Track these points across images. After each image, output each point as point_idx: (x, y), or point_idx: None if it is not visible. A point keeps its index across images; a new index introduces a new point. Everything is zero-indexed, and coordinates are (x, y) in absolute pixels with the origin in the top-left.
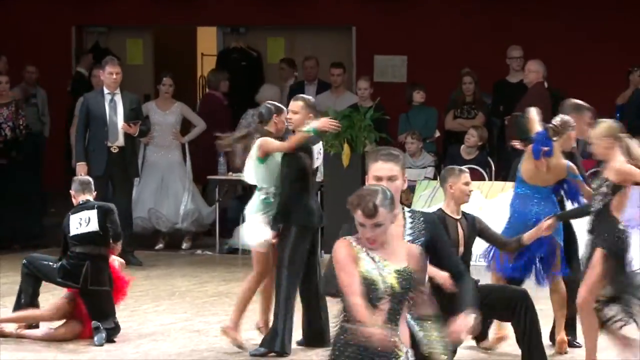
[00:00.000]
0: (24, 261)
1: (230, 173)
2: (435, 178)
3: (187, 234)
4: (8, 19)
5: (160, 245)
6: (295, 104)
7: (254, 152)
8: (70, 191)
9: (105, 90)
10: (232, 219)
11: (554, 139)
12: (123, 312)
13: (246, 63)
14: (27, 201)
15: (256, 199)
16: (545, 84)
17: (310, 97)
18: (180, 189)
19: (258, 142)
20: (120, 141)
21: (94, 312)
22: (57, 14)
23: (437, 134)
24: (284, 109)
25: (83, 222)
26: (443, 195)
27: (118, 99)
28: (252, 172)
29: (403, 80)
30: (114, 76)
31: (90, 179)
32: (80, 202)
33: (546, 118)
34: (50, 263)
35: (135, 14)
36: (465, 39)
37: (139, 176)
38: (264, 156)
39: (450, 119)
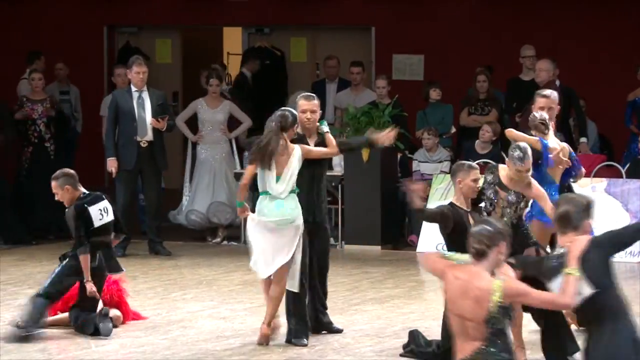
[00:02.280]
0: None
1: None
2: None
3: (220, 227)
4: (44, 19)
5: (217, 240)
6: (314, 103)
7: (297, 160)
8: (66, 186)
9: (133, 88)
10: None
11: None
12: (152, 299)
13: (270, 62)
14: None
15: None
16: (557, 82)
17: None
18: (232, 183)
19: (302, 150)
20: (149, 136)
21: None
22: (90, 14)
23: (453, 129)
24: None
25: (104, 213)
26: None
27: (145, 95)
28: (293, 177)
29: (420, 78)
30: (141, 75)
31: (73, 172)
32: (84, 194)
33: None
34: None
35: (165, 15)
36: (479, 38)
37: (167, 168)
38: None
39: (465, 116)
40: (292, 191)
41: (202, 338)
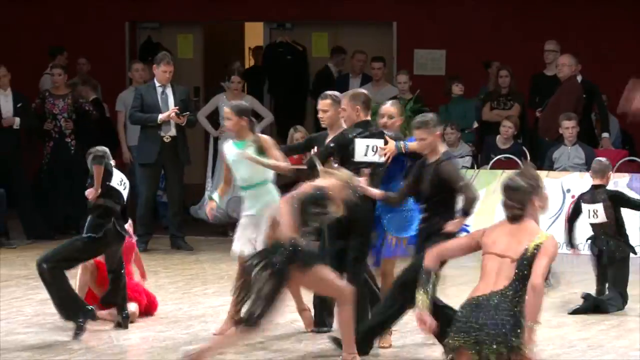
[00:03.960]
0: (44, 266)
1: None
2: (472, 167)
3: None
4: (66, 15)
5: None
6: (324, 102)
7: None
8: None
9: (157, 84)
10: None
11: None
12: (174, 294)
13: (292, 57)
14: (79, 187)
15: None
16: (579, 77)
17: (336, 93)
18: None
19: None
20: (172, 131)
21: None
22: (112, 10)
23: (475, 124)
24: None
25: (122, 184)
26: (481, 184)
27: (169, 91)
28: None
29: (442, 74)
30: (167, 74)
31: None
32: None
33: (577, 111)
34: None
35: (186, 11)
36: (501, 32)
37: (189, 163)
38: None
39: (487, 111)
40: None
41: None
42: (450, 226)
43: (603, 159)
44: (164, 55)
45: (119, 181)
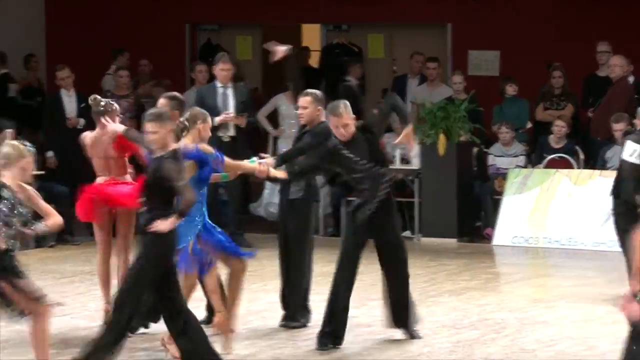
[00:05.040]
0: None
1: None
2: (526, 166)
3: None
4: (128, 17)
5: None
6: (304, 99)
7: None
8: None
9: (218, 84)
10: (334, 205)
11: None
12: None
13: (348, 58)
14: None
15: None
16: (631, 78)
17: (318, 92)
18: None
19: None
20: (232, 131)
21: None
22: (173, 12)
23: (529, 124)
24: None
25: None
26: (534, 182)
27: (230, 92)
28: None
29: (496, 74)
30: (225, 72)
31: None
32: None
33: (629, 111)
34: None
35: (245, 13)
36: (555, 34)
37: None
38: None
39: (540, 111)
40: None
41: (282, 329)
42: (161, 225)
43: None
44: (221, 54)
45: None
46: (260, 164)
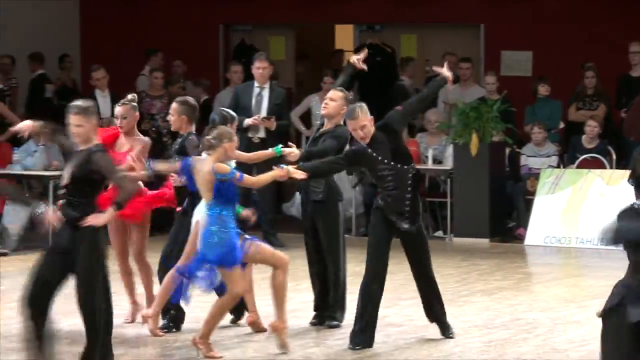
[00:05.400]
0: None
1: None
2: (558, 166)
3: None
4: (163, 18)
5: None
6: (335, 93)
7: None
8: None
9: (255, 84)
10: (367, 204)
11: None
12: (266, 290)
13: (381, 58)
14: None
15: None
16: None
17: (349, 93)
18: (344, 176)
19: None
20: (262, 133)
21: None
22: (207, 13)
23: (562, 124)
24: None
25: None
26: (567, 183)
27: (265, 93)
28: None
29: (528, 75)
30: (261, 70)
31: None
32: None
33: None
34: None
35: (278, 13)
36: (588, 34)
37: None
38: None
39: (573, 111)
40: None
41: (315, 328)
42: (96, 219)
43: None
44: (259, 53)
45: None
46: (280, 169)
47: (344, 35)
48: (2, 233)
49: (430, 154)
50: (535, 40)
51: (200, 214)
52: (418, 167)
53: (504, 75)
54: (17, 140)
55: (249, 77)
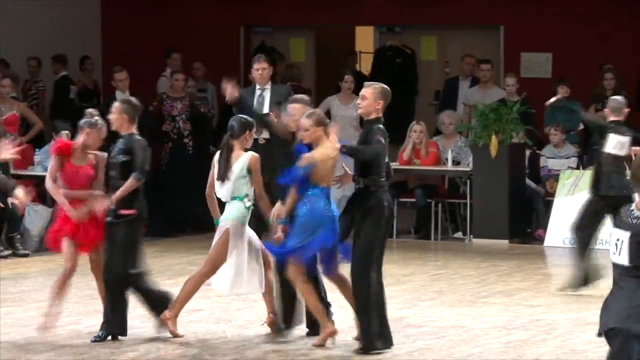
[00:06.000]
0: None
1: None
2: (578, 168)
3: None
4: (183, 20)
5: None
6: (366, 90)
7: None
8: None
9: (257, 86)
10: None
11: None
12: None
13: (401, 60)
14: (197, 187)
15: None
16: None
17: (382, 85)
18: None
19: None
20: (266, 134)
21: None
22: (227, 15)
23: (581, 126)
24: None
25: None
26: (586, 184)
27: (266, 94)
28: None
29: (548, 76)
30: (260, 72)
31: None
32: None
33: None
34: None
35: (298, 15)
36: (607, 35)
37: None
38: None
39: (592, 113)
40: (235, 197)
41: (340, 328)
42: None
43: (618, 98)
44: (257, 55)
45: None
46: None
47: (364, 37)
48: (23, 234)
49: (449, 155)
50: (554, 41)
51: (227, 220)
52: (438, 168)
53: (524, 77)
54: (38, 142)
55: (271, 78)
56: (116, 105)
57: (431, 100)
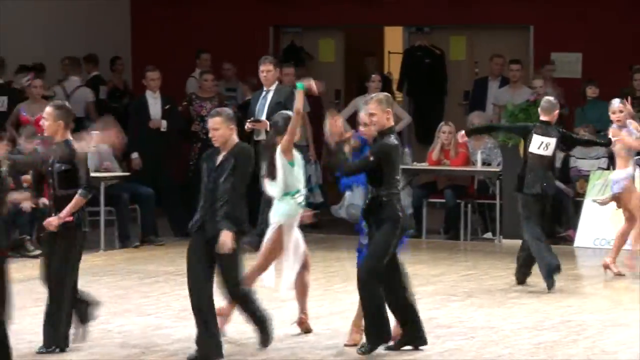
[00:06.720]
0: None
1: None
2: (608, 168)
3: None
4: (213, 20)
5: None
6: (371, 105)
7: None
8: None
9: (263, 88)
10: (415, 206)
11: None
12: (316, 291)
13: (430, 60)
14: None
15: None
16: None
17: (385, 94)
18: None
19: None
20: (263, 135)
21: None
22: (257, 15)
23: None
24: None
25: None
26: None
27: (270, 95)
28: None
29: (578, 76)
30: (265, 74)
31: None
32: None
33: None
34: None
35: (328, 15)
36: (637, 36)
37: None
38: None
39: None
40: (287, 193)
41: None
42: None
43: (551, 98)
44: (264, 57)
45: None
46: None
47: (393, 37)
48: None
49: (479, 156)
50: (584, 41)
51: (277, 216)
52: (467, 168)
53: (554, 77)
54: None
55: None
56: (49, 110)
57: (460, 101)
